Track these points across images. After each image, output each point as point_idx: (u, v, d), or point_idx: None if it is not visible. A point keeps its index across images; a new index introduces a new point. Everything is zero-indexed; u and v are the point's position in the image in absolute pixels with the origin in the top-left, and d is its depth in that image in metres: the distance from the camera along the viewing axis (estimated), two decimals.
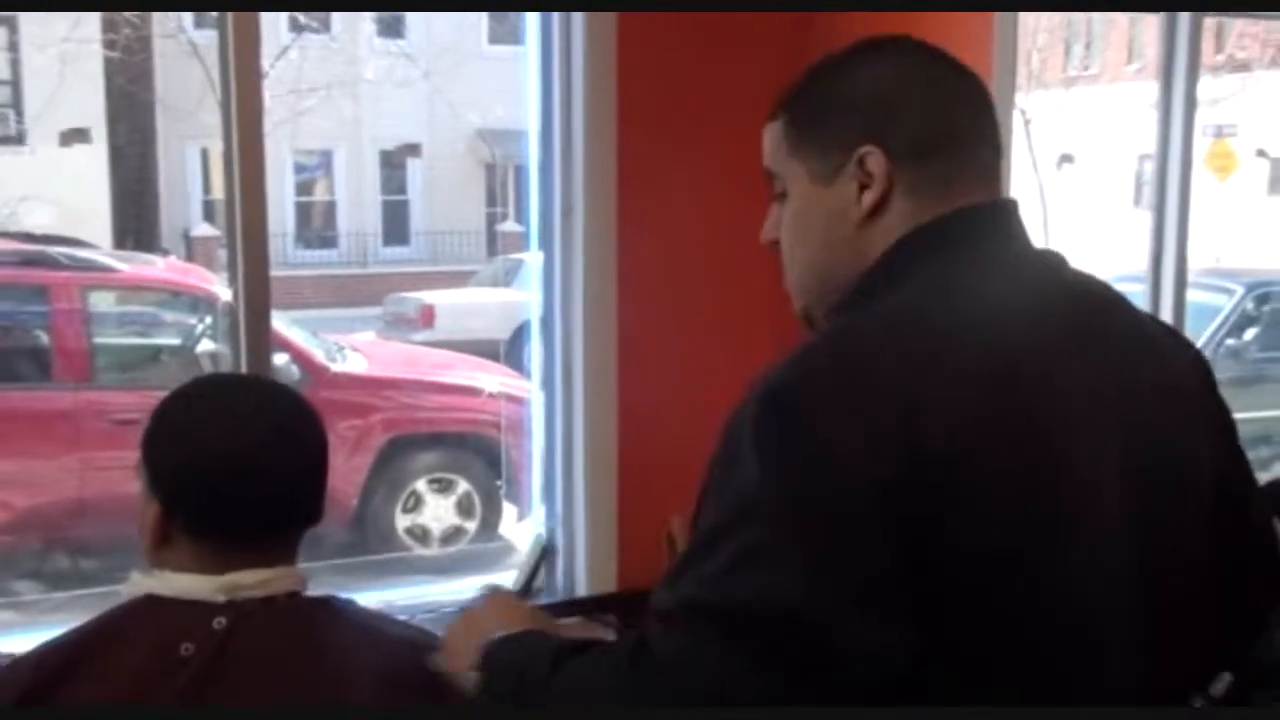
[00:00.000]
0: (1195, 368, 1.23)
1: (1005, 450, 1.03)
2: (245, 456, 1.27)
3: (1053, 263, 1.18)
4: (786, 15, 2.31)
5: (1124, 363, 1.13)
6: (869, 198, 1.13)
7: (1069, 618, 1.06)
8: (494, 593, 1.42)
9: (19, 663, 1.27)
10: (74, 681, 1.21)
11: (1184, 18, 2.88)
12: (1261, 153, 13.97)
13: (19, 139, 11.24)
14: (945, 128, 1.16)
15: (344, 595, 1.38)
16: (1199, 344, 7.53)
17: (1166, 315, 2.97)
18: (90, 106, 11.42)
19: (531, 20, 2.36)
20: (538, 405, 2.48)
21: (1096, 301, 1.17)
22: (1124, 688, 1.10)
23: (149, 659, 1.21)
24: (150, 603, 1.26)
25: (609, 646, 1.12)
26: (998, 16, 2.32)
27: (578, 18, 2.28)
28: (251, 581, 1.25)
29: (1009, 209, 1.18)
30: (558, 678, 1.09)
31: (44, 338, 5.48)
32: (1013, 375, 1.05)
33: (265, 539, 1.28)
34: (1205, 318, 7.14)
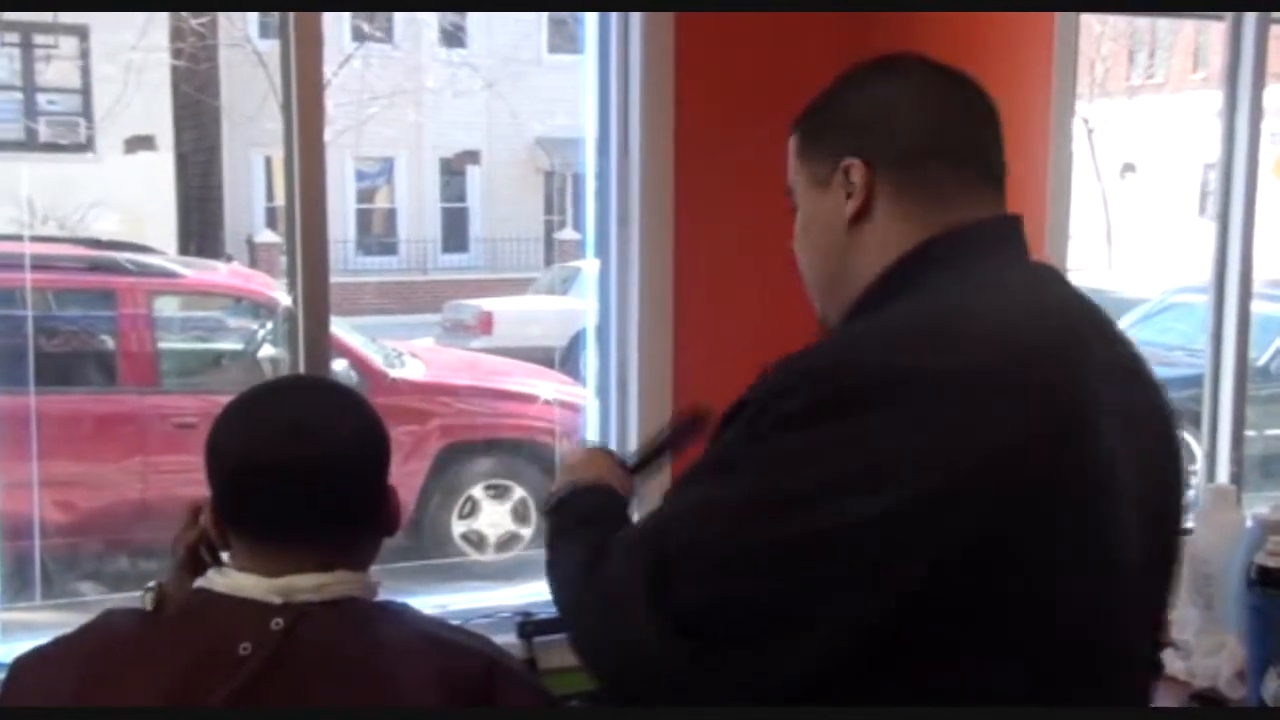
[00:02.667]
0: (1166, 394, 1.24)
1: (1048, 468, 1.04)
2: (259, 454, 1.29)
3: (1051, 280, 1.21)
4: (845, 20, 2.30)
5: (1126, 387, 1.15)
6: (850, 205, 1.20)
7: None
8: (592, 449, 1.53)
9: (62, 652, 1.29)
10: (128, 676, 1.23)
11: (1250, 24, 2.84)
12: None
13: (88, 146, 11.43)
14: (931, 141, 1.20)
15: (400, 600, 1.39)
16: (1265, 356, 7.38)
17: (1230, 327, 2.93)
18: (157, 114, 11.59)
19: (590, 29, 2.37)
20: (593, 412, 2.49)
21: (1096, 322, 1.19)
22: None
23: (206, 657, 1.22)
24: (206, 599, 1.28)
25: (599, 536, 1.18)
26: (1059, 24, 2.30)
27: (635, 27, 2.28)
28: (308, 585, 1.26)
29: (1011, 224, 1.22)
30: (558, 542, 1.26)
31: (110, 342, 5.56)
32: (1049, 393, 1.06)
33: (316, 542, 1.29)
34: (1272, 330, 7.02)
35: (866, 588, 0.99)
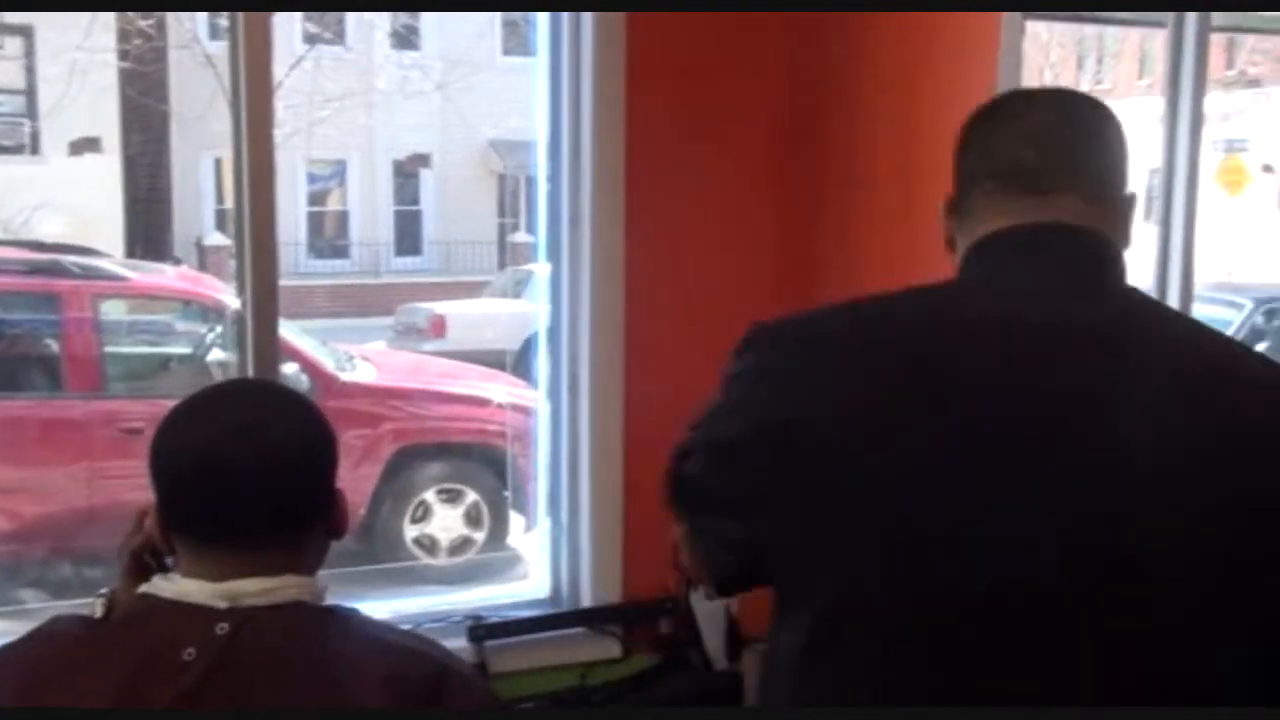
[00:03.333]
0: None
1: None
2: (201, 458, 1.28)
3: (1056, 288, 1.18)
4: (791, 28, 2.32)
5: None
6: (944, 232, 1.29)
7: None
8: None
9: (6, 658, 1.28)
10: (70, 681, 1.22)
11: (1190, 31, 2.88)
12: (1268, 168, 13.91)
13: (33, 148, 11.29)
14: (976, 176, 1.25)
15: (351, 604, 1.38)
16: None
17: None
18: (104, 116, 11.47)
19: (541, 31, 2.37)
20: (544, 415, 2.49)
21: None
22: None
23: (150, 662, 1.21)
24: (150, 605, 1.27)
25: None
26: (1004, 29, 2.32)
27: (587, 30, 2.29)
28: (253, 589, 1.25)
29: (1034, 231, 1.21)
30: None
31: (54, 346, 5.49)
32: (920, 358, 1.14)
33: (262, 546, 1.28)
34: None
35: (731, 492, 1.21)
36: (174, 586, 1.27)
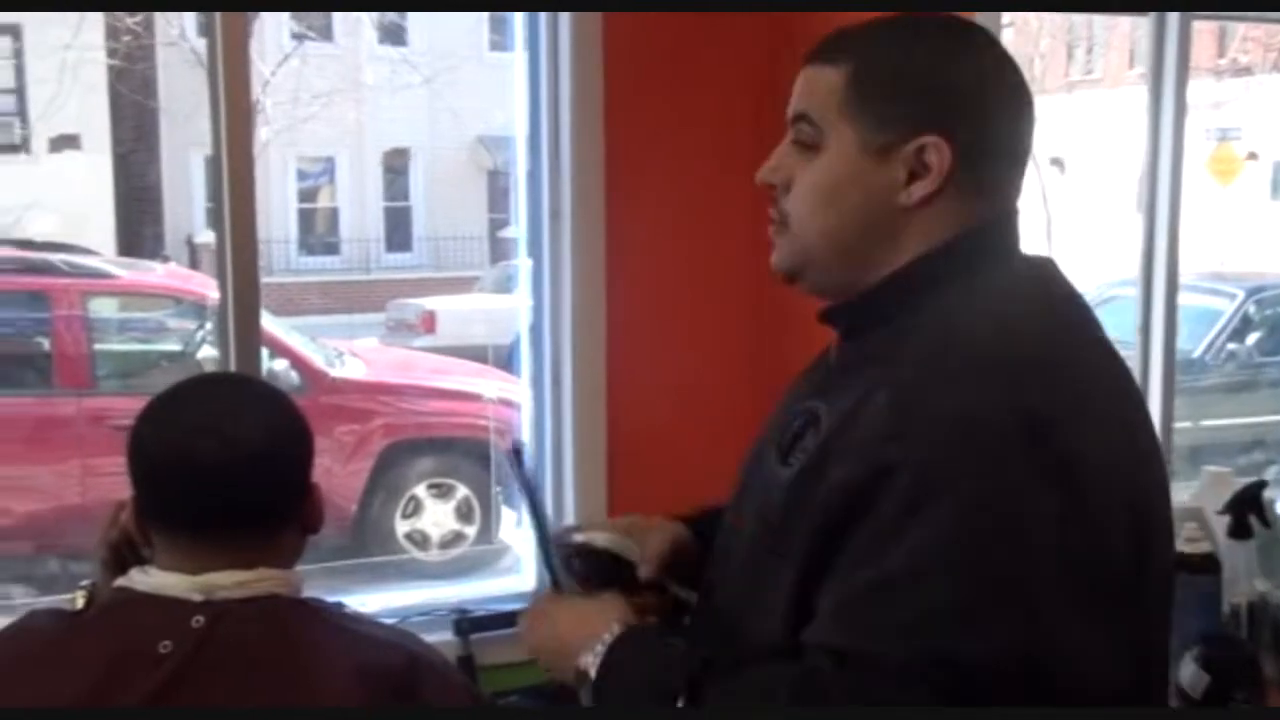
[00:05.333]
0: None
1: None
2: (172, 450, 1.29)
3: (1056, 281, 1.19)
4: (766, 18, 2.32)
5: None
6: (920, 189, 1.10)
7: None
8: (545, 600, 1.28)
9: None
10: (47, 674, 1.22)
11: (1173, 20, 2.89)
12: (1252, 155, 13.92)
13: (23, 146, 11.27)
14: (1010, 139, 1.14)
15: (342, 599, 1.39)
16: (1199, 349, 7.48)
17: (1158, 319, 2.97)
18: (93, 114, 11.45)
19: (519, 27, 2.37)
20: (527, 408, 2.49)
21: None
22: None
23: (126, 655, 1.22)
24: (126, 598, 1.28)
25: (756, 680, 1.04)
26: (981, 22, 2.33)
27: (564, 24, 2.29)
28: (228, 582, 1.26)
29: (1015, 219, 1.19)
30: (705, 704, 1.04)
31: (45, 344, 5.49)
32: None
33: (235, 539, 1.29)
34: (1206, 322, 7.14)
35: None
36: (150, 579, 1.28)
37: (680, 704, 1.03)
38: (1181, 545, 2.00)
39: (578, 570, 1.30)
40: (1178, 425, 3.16)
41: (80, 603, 1.37)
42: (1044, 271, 1.16)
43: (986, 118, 1.12)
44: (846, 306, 1.17)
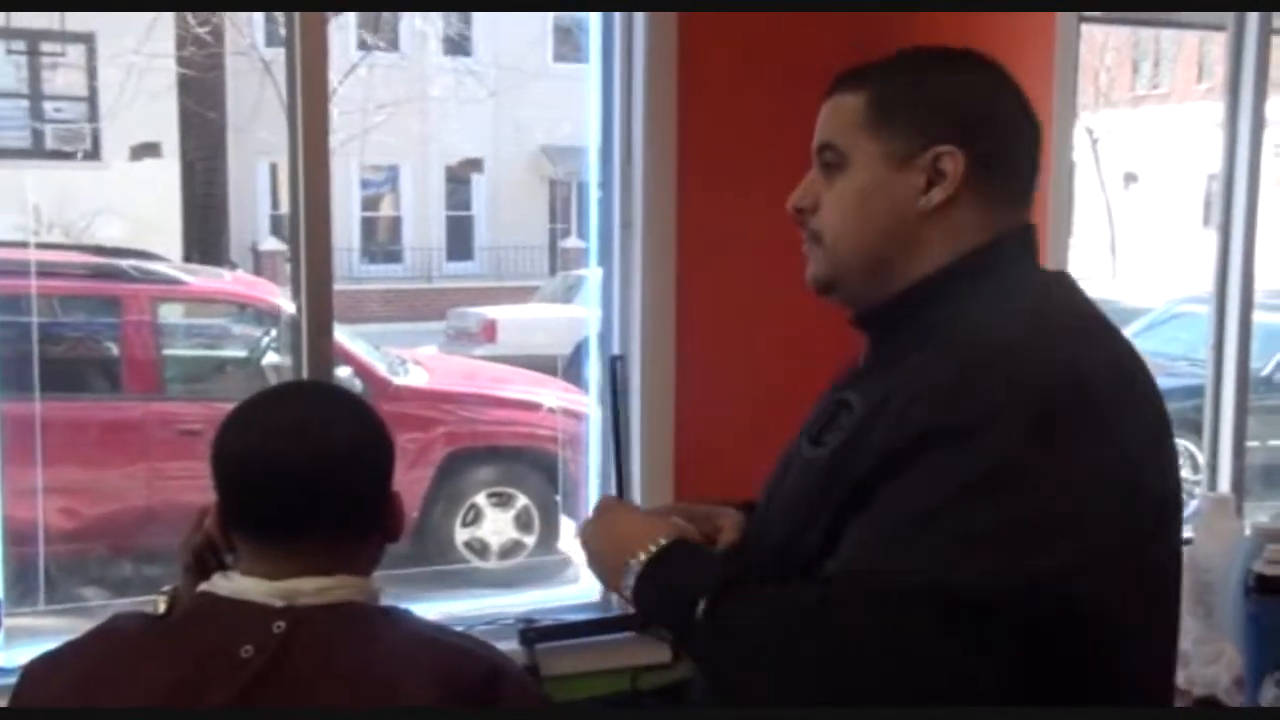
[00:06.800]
0: None
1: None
2: (257, 457, 1.30)
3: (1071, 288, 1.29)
4: (847, 23, 2.31)
5: None
6: (938, 193, 1.20)
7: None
8: (612, 505, 1.41)
9: (70, 656, 1.30)
10: (130, 677, 1.24)
11: (1251, 34, 2.85)
12: None
13: (94, 154, 11.45)
14: (1022, 149, 1.25)
15: (403, 606, 1.39)
16: (1269, 367, 7.36)
17: (1232, 336, 2.93)
18: (162, 122, 11.62)
19: (594, 37, 2.38)
20: (595, 420, 2.49)
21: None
22: None
23: (208, 659, 1.23)
24: (209, 602, 1.29)
25: (777, 593, 1.11)
26: (1059, 31, 2.31)
27: (639, 34, 2.29)
28: (309, 589, 1.27)
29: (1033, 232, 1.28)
30: (721, 617, 1.11)
31: (114, 349, 5.57)
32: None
33: (317, 546, 1.30)
34: (1275, 340, 7.00)
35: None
36: (232, 584, 1.29)
37: (700, 609, 1.11)
38: (1262, 568, 1.96)
39: None
40: (1247, 444, 3.11)
41: (162, 607, 1.39)
42: (1065, 281, 1.25)
43: (995, 132, 1.22)
44: (876, 311, 1.27)
